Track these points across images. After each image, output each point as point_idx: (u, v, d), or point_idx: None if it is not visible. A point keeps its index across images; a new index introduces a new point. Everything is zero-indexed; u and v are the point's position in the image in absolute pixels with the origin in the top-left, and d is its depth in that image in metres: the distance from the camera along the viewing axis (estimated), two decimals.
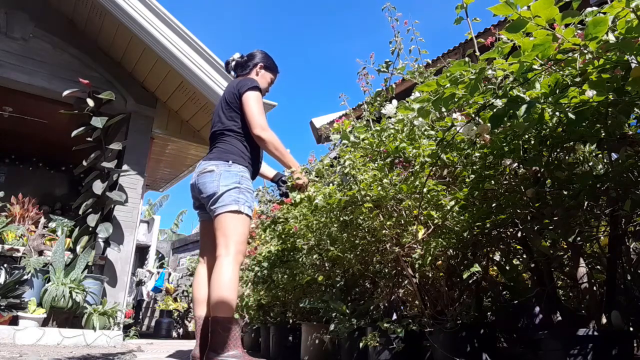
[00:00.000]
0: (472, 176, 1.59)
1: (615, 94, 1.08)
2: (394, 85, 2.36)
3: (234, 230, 2.18)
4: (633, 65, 1.00)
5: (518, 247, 1.79)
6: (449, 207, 1.71)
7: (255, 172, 2.48)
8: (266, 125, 2.29)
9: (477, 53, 1.56)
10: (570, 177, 1.40)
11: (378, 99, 2.30)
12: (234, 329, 2.08)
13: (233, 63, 2.67)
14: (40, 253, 4.49)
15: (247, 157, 2.37)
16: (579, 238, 1.56)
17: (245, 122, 2.34)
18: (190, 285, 8.40)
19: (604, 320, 1.43)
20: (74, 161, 5.62)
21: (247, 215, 2.24)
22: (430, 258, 1.74)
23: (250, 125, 2.30)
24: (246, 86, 2.37)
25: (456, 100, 1.20)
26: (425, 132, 1.88)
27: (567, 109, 1.16)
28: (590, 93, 1.12)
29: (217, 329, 2.07)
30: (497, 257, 1.95)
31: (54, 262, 4.13)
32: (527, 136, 1.39)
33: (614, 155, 1.45)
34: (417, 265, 1.86)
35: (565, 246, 1.62)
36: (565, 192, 1.41)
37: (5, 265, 4.27)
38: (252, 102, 2.32)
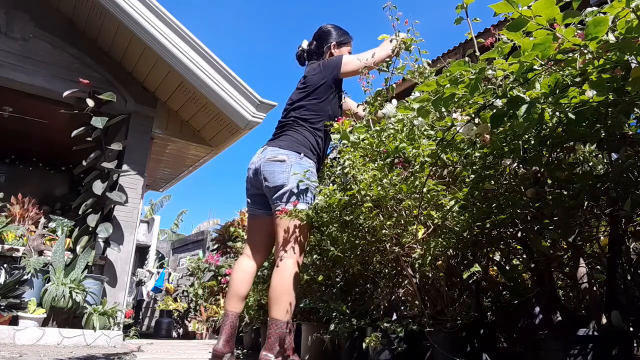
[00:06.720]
0: (472, 176, 1.58)
1: (615, 94, 1.08)
2: (394, 85, 2.36)
3: (299, 230, 2.14)
4: (633, 65, 1.00)
5: (518, 247, 1.79)
6: (448, 207, 1.71)
7: (317, 168, 2.40)
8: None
9: (477, 53, 1.56)
10: (570, 177, 1.40)
11: (378, 98, 2.30)
12: (289, 332, 2.06)
13: (305, 54, 2.59)
14: (40, 253, 4.49)
15: (317, 152, 2.32)
16: (579, 238, 1.56)
17: (325, 113, 2.33)
18: (191, 285, 8.38)
19: (604, 320, 1.43)
20: (74, 161, 5.61)
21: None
22: (430, 258, 1.74)
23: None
24: (336, 62, 2.38)
25: (456, 100, 1.20)
26: (425, 132, 1.88)
27: (567, 109, 1.16)
28: (590, 93, 1.12)
29: (275, 330, 2.04)
30: (497, 257, 1.94)
31: (54, 262, 4.13)
32: (527, 136, 1.38)
33: (614, 155, 1.45)
34: (417, 265, 1.86)
35: (565, 246, 1.62)
36: (565, 192, 1.41)
37: (5, 265, 4.27)
38: (351, 59, 2.35)
